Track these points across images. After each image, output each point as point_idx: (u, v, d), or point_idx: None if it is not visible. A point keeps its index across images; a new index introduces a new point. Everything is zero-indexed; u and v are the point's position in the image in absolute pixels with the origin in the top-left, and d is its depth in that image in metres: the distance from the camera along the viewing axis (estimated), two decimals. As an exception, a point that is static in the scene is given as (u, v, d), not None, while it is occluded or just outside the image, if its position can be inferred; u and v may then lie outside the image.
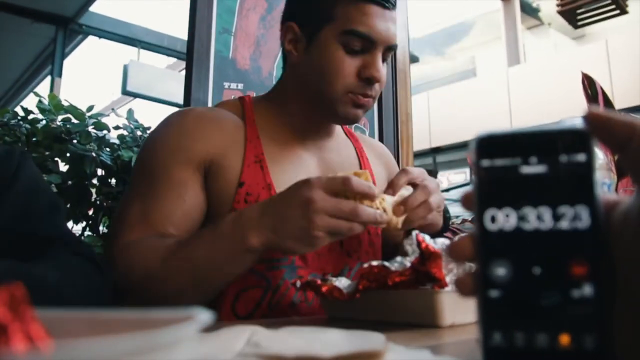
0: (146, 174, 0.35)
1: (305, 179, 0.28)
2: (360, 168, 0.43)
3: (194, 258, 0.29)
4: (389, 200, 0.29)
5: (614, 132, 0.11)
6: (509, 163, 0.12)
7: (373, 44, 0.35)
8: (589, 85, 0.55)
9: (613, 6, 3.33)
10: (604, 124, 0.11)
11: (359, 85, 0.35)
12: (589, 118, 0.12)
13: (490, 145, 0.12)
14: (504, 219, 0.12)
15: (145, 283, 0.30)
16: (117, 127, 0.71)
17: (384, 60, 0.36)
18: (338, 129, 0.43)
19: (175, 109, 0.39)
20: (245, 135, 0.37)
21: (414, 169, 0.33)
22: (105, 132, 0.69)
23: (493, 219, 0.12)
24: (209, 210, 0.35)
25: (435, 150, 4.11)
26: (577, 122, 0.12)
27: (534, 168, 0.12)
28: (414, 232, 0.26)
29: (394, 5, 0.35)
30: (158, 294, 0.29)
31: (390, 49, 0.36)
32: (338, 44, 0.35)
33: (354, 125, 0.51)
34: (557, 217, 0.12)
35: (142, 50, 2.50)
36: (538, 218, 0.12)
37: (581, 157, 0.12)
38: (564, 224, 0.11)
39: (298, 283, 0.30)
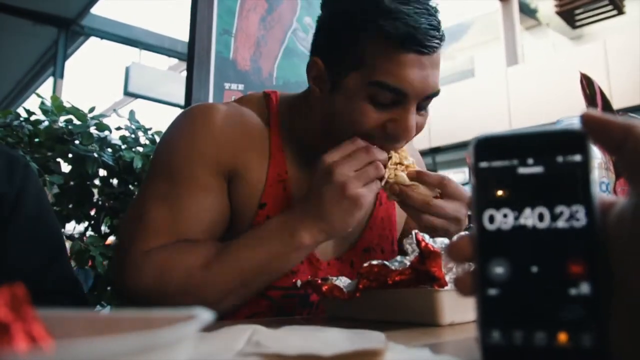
0: (169, 174, 0.32)
1: (325, 167, 0.28)
2: (380, 181, 0.40)
3: (242, 261, 0.29)
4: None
5: (609, 134, 0.12)
6: (507, 164, 0.12)
7: (406, 98, 0.29)
8: (587, 85, 0.55)
9: (611, 7, 3.33)
10: (599, 126, 0.12)
11: (381, 139, 0.31)
12: (585, 119, 0.12)
13: (488, 147, 0.12)
14: (502, 218, 0.12)
15: (185, 287, 0.29)
16: (118, 128, 0.71)
17: (422, 108, 0.31)
18: None
19: (176, 110, 0.38)
20: (270, 148, 0.35)
21: (454, 185, 0.31)
22: (107, 132, 0.69)
23: (491, 219, 0.12)
24: (230, 220, 0.34)
25: (435, 150, 4.11)
26: (574, 123, 0.12)
27: (531, 169, 0.12)
28: (414, 232, 0.26)
29: (437, 48, 0.29)
30: (198, 298, 0.28)
31: (430, 97, 0.31)
32: (365, 95, 0.30)
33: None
34: (554, 217, 0.12)
35: (143, 52, 2.51)
36: (535, 218, 0.12)
37: (577, 157, 0.12)
38: (561, 224, 0.12)
39: (299, 282, 0.30)
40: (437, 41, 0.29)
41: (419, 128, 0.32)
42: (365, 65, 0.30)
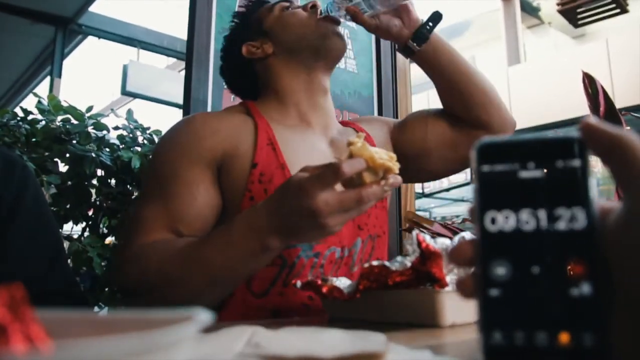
0: (157, 176, 0.36)
1: (296, 183, 0.26)
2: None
3: (211, 264, 0.29)
4: (381, 152, 0.26)
5: (601, 142, 0.12)
6: (508, 168, 0.13)
7: None
8: (590, 85, 0.55)
9: (613, 5, 3.32)
10: (592, 134, 0.12)
11: (313, 17, 0.40)
12: (582, 127, 0.12)
13: (490, 151, 0.13)
14: (503, 220, 0.12)
15: (161, 287, 0.31)
16: (116, 128, 0.71)
17: None
18: (335, 123, 0.44)
19: (175, 109, 0.40)
20: (255, 125, 0.38)
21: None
22: (104, 132, 0.69)
23: (493, 221, 0.12)
24: (224, 200, 0.37)
25: (435, 150, 4.07)
26: (573, 128, 0.12)
27: (531, 173, 0.12)
28: (414, 232, 0.26)
29: None
30: (175, 297, 0.30)
31: None
32: (281, 11, 0.41)
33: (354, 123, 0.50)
34: (554, 219, 0.12)
35: (141, 51, 2.50)
36: (536, 220, 0.12)
37: (576, 162, 0.12)
38: (561, 225, 0.12)
39: (298, 283, 0.30)
40: None
41: None
42: (264, 9, 0.42)
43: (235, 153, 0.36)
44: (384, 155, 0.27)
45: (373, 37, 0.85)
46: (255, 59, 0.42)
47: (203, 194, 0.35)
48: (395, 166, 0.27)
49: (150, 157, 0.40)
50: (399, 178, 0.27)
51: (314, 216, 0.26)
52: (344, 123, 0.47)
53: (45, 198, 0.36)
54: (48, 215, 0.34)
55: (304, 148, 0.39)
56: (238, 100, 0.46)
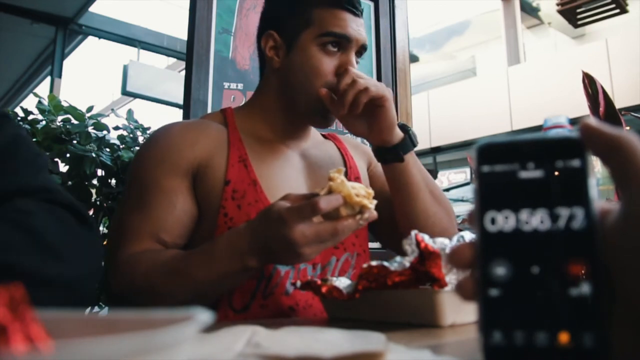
0: (138, 186, 0.37)
1: (276, 213, 0.28)
2: (345, 163, 0.45)
3: (195, 279, 0.31)
4: (359, 187, 0.28)
5: (600, 143, 0.12)
6: (508, 169, 0.13)
7: (348, 43, 0.39)
8: (590, 85, 0.55)
9: (613, 5, 3.32)
10: (592, 135, 0.12)
11: (333, 84, 0.38)
12: (582, 128, 0.12)
13: (491, 152, 0.13)
14: (503, 220, 0.12)
15: (148, 297, 0.32)
16: (117, 128, 0.71)
17: (356, 58, 0.40)
18: (314, 134, 0.45)
19: (175, 109, 0.40)
20: (228, 139, 0.39)
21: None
22: (105, 132, 0.69)
23: (493, 221, 0.12)
24: (200, 212, 0.38)
25: (435, 150, 4.12)
26: (561, 121, 0.12)
27: (531, 173, 0.12)
28: (413, 232, 0.26)
29: (362, 14, 0.40)
30: (161, 306, 0.31)
31: (361, 51, 0.40)
32: (316, 46, 0.39)
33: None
34: (554, 219, 0.12)
35: (141, 51, 2.50)
36: (536, 220, 0.12)
37: (576, 162, 0.12)
38: (561, 225, 0.12)
39: (298, 283, 0.30)
40: (361, 7, 0.40)
41: None
42: (314, 23, 0.39)
43: (209, 164, 0.37)
44: (362, 191, 0.28)
45: (373, 38, 0.85)
46: (265, 52, 0.40)
47: (182, 202, 0.36)
48: (372, 203, 0.28)
49: (131, 164, 0.40)
50: (375, 213, 0.28)
51: (291, 245, 0.28)
52: (330, 136, 0.47)
53: (25, 143, 0.29)
54: (29, 142, 0.28)
55: (276, 163, 0.40)
56: (238, 102, 0.46)
